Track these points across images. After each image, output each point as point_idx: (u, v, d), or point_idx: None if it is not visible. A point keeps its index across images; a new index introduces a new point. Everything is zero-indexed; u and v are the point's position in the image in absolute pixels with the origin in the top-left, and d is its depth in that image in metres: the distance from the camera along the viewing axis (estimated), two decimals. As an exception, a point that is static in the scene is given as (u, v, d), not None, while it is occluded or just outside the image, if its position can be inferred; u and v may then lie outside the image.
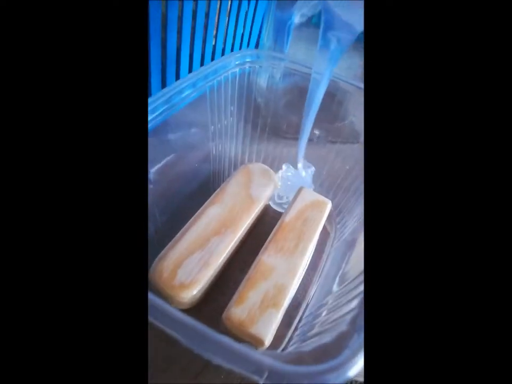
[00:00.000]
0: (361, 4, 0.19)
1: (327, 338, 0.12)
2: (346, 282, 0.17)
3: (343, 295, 0.16)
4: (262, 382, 0.10)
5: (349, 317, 0.12)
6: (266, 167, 0.29)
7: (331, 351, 0.11)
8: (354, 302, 0.13)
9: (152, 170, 0.23)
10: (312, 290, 0.26)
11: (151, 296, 0.12)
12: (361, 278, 0.16)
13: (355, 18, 0.21)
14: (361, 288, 0.14)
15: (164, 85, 0.32)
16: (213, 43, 0.36)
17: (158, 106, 0.19)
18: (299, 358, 0.13)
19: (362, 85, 0.27)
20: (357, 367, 0.11)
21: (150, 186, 0.22)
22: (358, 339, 0.11)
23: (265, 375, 0.11)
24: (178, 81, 0.22)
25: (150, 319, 0.12)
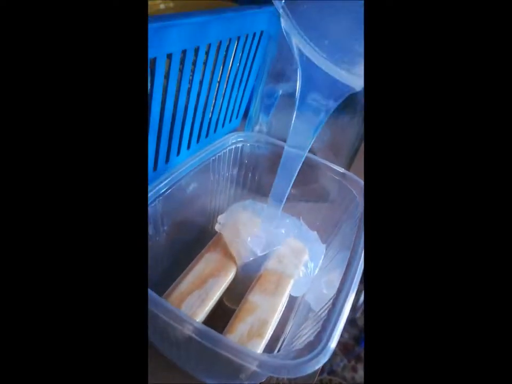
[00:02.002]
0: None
1: (298, 346, 0.18)
2: (315, 313, 0.22)
3: (311, 322, 0.21)
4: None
5: (316, 332, 0.18)
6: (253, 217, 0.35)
7: (301, 354, 0.16)
8: (319, 324, 0.19)
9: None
10: (289, 326, 0.31)
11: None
12: (326, 307, 0.21)
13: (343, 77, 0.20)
14: (324, 314, 0.20)
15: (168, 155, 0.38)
16: (210, 116, 0.44)
17: (172, 179, 0.26)
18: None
19: (327, 162, 0.34)
20: (319, 363, 0.16)
21: (157, 238, 0.27)
22: (320, 346, 0.17)
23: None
24: (188, 159, 0.28)
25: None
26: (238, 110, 0.51)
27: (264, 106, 0.48)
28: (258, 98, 0.47)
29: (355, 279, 0.20)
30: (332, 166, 0.33)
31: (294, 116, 0.26)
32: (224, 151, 0.30)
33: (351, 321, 1.19)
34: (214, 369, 0.24)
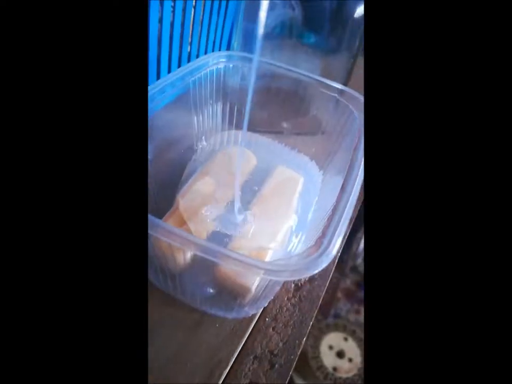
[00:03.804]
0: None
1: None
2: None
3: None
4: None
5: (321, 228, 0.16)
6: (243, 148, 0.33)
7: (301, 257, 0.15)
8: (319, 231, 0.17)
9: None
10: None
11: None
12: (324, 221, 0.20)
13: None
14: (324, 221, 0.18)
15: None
16: (188, 50, 0.40)
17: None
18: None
19: (320, 78, 0.31)
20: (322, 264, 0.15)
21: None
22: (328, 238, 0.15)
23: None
24: (161, 80, 0.25)
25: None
26: (220, 43, 0.47)
27: (247, 41, 0.45)
28: (239, 30, 0.44)
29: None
30: (328, 82, 0.30)
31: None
32: (205, 71, 0.27)
33: (352, 268, 1.22)
34: (212, 297, 0.23)
